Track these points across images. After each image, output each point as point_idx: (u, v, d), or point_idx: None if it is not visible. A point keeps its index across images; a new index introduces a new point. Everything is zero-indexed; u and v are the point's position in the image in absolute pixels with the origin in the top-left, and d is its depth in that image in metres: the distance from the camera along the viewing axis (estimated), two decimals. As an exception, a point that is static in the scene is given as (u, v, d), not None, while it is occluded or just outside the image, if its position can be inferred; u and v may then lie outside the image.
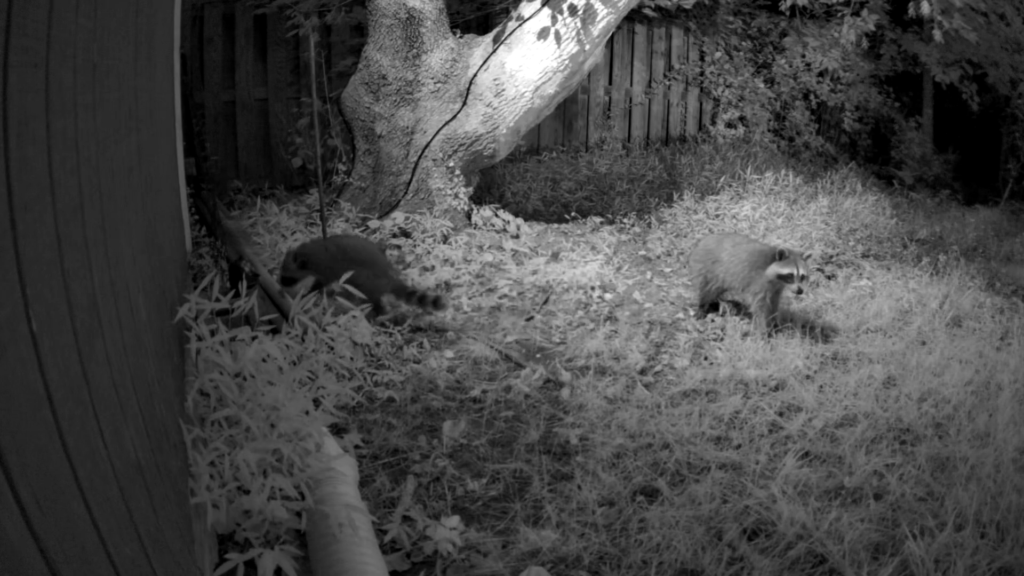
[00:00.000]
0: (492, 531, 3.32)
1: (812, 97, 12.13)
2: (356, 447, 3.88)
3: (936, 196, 11.19)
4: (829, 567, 3.10)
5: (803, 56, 11.78)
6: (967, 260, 7.55)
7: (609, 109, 11.02)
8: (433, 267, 6.44)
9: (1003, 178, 12.55)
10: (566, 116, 10.62)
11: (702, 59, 11.90)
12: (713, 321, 5.67)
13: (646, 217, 8.29)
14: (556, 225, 8.05)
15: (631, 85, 11.25)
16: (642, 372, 4.85)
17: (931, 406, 4.43)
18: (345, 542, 2.83)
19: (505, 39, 7.28)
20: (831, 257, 7.21)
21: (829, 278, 6.66)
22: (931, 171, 12.45)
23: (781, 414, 4.35)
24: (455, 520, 3.27)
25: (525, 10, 7.30)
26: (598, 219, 8.17)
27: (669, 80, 11.56)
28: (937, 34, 8.64)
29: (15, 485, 1.13)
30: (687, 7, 10.94)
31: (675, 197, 8.75)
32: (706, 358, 5.08)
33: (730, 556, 3.14)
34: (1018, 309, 6.25)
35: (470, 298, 6.00)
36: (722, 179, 9.28)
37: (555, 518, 3.36)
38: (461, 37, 7.63)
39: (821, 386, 4.67)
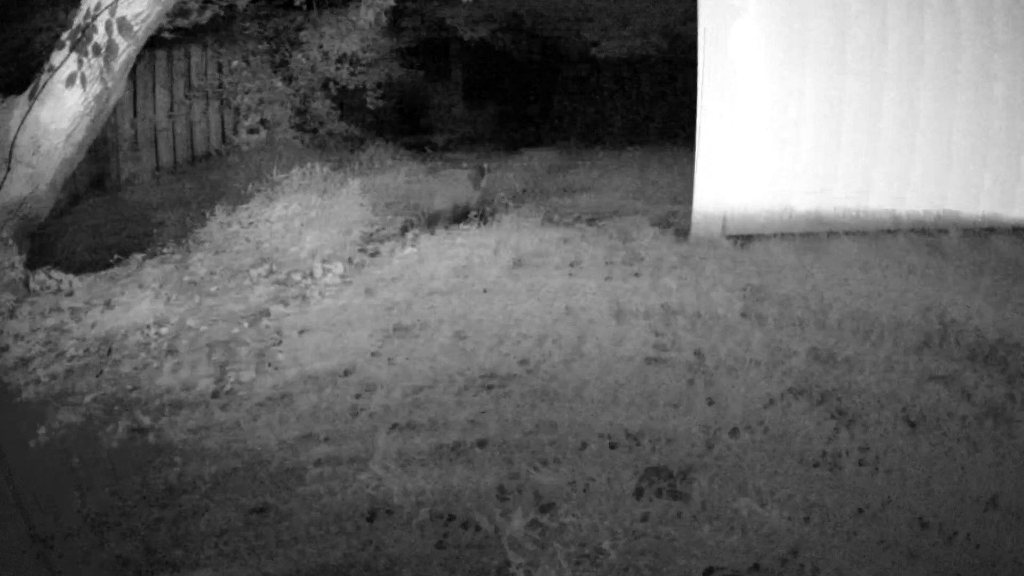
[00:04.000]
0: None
1: (332, 85, 12.44)
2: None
3: (474, 151, 11.99)
4: (461, 522, 3.45)
5: (320, 46, 12.09)
6: (517, 202, 8.13)
7: (136, 141, 10.75)
8: (7, 346, 6.12)
9: (555, 116, 13.47)
10: (97, 158, 10.20)
11: (220, 71, 11.88)
12: (268, 327, 5.81)
13: (184, 242, 8.30)
14: (104, 272, 7.79)
15: (155, 112, 11.07)
16: (215, 396, 4.98)
17: (511, 346, 4.85)
18: None
19: (39, 94, 7.02)
20: (371, 235, 7.60)
21: (373, 255, 7.01)
22: (466, 129, 13.24)
23: (359, 396, 4.64)
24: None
25: (55, 59, 7.04)
26: (140, 255, 8.04)
27: (190, 99, 11.45)
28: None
29: None
30: (203, 23, 10.81)
31: (208, 215, 8.81)
32: (271, 364, 5.28)
33: (359, 544, 3.39)
34: (585, 235, 6.84)
35: (45, 367, 5.74)
36: (250, 186, 9.47)
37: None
38: (3, 101, 7.19)
39: (391, 359, 5.01)
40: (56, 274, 7.37)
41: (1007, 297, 5.58)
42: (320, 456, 4.09)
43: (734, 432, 3.98)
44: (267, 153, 10.94)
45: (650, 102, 15.22)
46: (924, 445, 3.85)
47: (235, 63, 11.87)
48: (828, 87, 7.42)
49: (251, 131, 11.86)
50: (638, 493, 3.58)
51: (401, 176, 9.59)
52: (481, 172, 9.20)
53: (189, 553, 3.40)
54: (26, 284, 7.19)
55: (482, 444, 3.98)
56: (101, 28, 7.02)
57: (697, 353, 4.89)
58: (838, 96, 7.39)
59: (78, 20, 7.05)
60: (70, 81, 7.04)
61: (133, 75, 10.66)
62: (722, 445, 3.86)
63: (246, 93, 11.89)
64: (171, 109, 11.31)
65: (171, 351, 5.84)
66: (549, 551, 3.24)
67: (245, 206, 8.94)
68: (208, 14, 10.63)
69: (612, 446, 3.91)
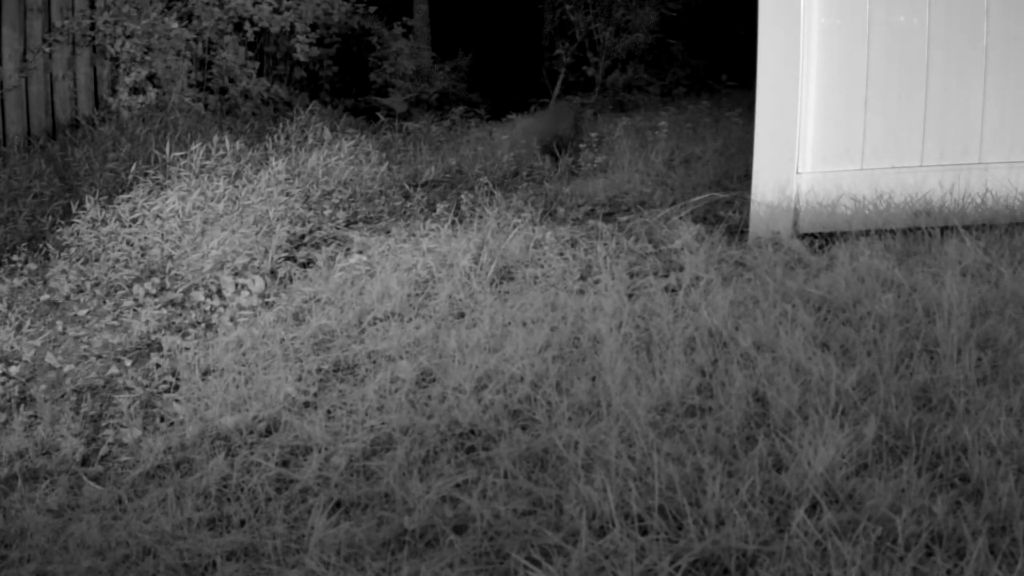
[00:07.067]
0: None
1: (248, 26, 12.32)
2: None
3: (445, 119, 11.95)
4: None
5: (231, -30, 11.99)
6: (505, 190, 8.14)
7: (-22, 103, 10.65)
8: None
9: (551, 69, 13.42)
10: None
11: (92, 5, 11.74)
12: (159, 367, 5.76)
13: (41, 247, 8.23)
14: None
15: (1, 63, 10.89)
16: (85, 462, 4.91)
17: (496, 392, 4.83)
18: None
19: None
20: (303, 237, 7.57)
21: (305, 266, 6.98)
22: (432, 87, 13.21)
23: (286, 463, 4.58)
24: None
25: None
26: (-25, 265, 7.97)
27: (50, 44, 11.29)
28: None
29: None
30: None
31: (74, 209, 8.74)
32: (163, 418, 5.25)
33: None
34: (599, 233, 6.80)
35: None
36: (133, 168, 9.37)
37: None
38: None
39: (329, 411, 4.96)
40: None
41: None
42: (233, 547, 4.03)
43: (813, 508, 3.94)
44: (157, 122, 10.79)
45: (687, 46, 15.17)
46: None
47: (114, -8, 11.73)
48: (964, 18, 7.21)
49: (135, 91, 11.69)
50: (679, 595, 3.52)
51: (343, 155, 9.52)
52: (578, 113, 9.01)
53: None
54: None
55: (460, 530, 3.92)
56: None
57: (759, 399, 4.85)
58: (974, 29, 7.19)
59: None
60: None
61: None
62: (797, 526, 3.82)
63: (128, 37, 11.70)
64: (24, 58, 11.20)
65: (24, 399, 5.76)
66: None
67: (126, 196, 8.84)
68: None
69: (642, 531, 3.87)
